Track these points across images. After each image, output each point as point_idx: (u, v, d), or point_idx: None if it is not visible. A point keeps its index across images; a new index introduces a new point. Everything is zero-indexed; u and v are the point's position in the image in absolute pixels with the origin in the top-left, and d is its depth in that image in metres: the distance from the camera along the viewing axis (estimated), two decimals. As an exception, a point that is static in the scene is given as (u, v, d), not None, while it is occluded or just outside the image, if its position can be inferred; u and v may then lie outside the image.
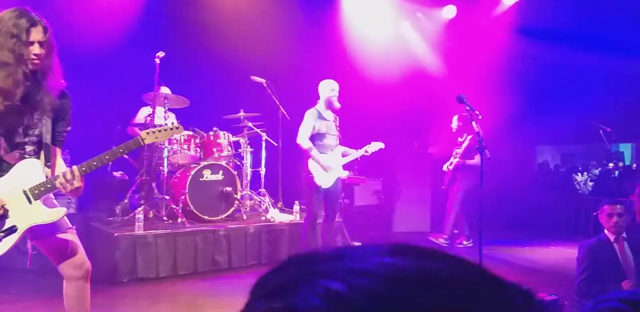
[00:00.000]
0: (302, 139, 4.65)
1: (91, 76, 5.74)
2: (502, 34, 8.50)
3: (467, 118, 6.18)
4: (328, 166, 4.66)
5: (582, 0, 7.61)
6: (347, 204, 6.82)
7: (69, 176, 2.29)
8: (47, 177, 2.38)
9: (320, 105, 4.77)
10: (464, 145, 6.34)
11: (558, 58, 8.28)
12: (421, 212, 8.03)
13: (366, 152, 4.92)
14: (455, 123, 6.51)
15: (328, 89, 4.75)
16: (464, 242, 6.52)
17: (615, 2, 7.39)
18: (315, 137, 4.71)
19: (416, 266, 0.40)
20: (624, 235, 3.48)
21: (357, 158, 5.07)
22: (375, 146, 4.96)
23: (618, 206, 3.48)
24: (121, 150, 2.45)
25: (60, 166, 2.49)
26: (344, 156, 4.92)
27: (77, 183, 2.31)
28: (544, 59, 8.41)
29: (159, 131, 2.54)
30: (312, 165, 4.64)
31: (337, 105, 4.77)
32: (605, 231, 3.54)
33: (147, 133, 2.51)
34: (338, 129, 4.89)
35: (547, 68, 8.60)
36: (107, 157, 2.43)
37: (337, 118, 4.95)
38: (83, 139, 5.33)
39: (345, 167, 6.69)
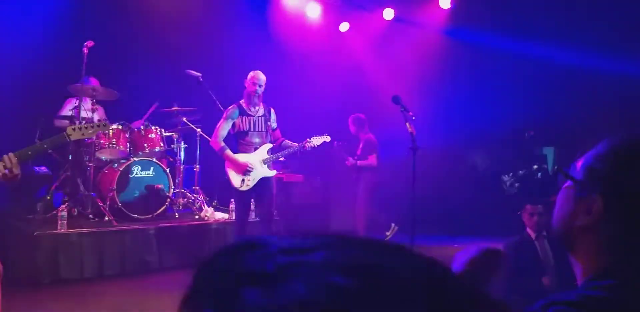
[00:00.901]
0: (215, 140, 4.40)
1: (12, 65, 5.37)
2: (437, 38, 8.77)
3: (362, 121, 6.39)
4: (246, 165, 4.33)
5: (512, 7, 7.96)
6: (284, 203, 6.78)
7: (8, 164, 2.18)
8: None
9: (244, 100, 4.51)
10: (360, 146, 6.48)
11: (489, 64, 8.63)
12: (358, 211, 8.13)
13: (304, 147, 4.61)
14: (351, 126, 6.57)
15: (249, 82, 4.45)
16: (387, 233, 6.69)
17: (543, 10, 7.79)
18: (237, 136, 4.45)
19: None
20: (544, 233, 3.66)
21: (296, 154, 4.75)
22: (318, 140, 4.70)
23: (539, 206, 3.67)
24: (45, 146, 2.36)
25: None
26: (279, 150, 4.61)
27: (16, 170, 2.26)
28: (476, 64, 8.75)
29: (86, 128, 2.48)
30: (229, 167, 4.39)
31: (255, 101, 4.44)
32: (528, 229, 3.73)
33: (74, 129, 2.44)
34: (271, 123, 4.59)
35: (478, 73, 8.95)
36: (29, 152, 2.32)
37: (272, 111, 4.64)
38: (3, 131, 4.99)
39: (282, 165, 6.69)
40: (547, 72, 8.31)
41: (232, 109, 4.45)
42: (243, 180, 4.38)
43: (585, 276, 0.90)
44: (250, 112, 4.48)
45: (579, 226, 0.89)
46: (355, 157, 6.53)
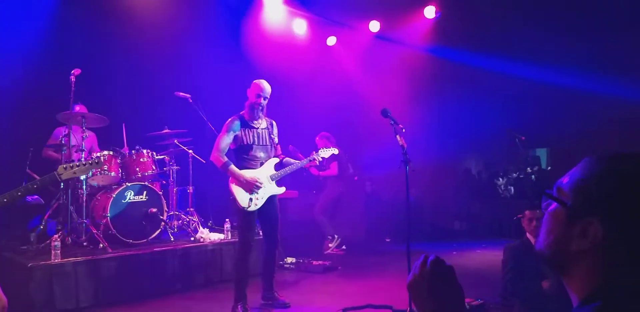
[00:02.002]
0: (216, 155, 3.95)
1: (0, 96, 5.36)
2: (424, 47, 8.83)
3: (329, 137, 6.50)
4: (255, 181, 4.00)
5: (497, 15, 8.06)
6: (280, 219, 6.75)
7: None
8: None
9: (245, 111, 4.14)
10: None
11: (478, 70, 8.70)
12: (356, 222, 8.13)
13: (311, 161, 4.32)
14: (318, 142, 6.64)
15: (253, 93, 4.08)
16: (330, 245, 6.68)
17: (527, 17, 7.89)
18: (239, 150, 4.05)
19: None
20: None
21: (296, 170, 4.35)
22: (326, 153, 4.49)
23: (538, 211, 3.68)
24: (35, 186, 2.36)
25: None
26: (281, 167, 4.23)
27: None
28: (465, 71, 8.81)
29: (77, 166, 2.47)
30: (233, 185, 3.98)
31: (258, 114, 4.07)
32: (527, 234, 3.74)
33: (65, 168, 2.45)
34: (274, 137, 4.23)
35: (468, 80, 9.02)
36: (19, 193, 2.32)
37: (274, 124, 4.29)
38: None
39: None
40: (536, 76, 8.37)
41: (233, 121, 4.05)
42: (251, 199, 3.98)
43: (579, 299, 0.88)
44: (253, 125, 4.11)
45: (574, 250, 0.87)
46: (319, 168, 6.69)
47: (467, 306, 3.94)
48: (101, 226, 4.86)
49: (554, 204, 0.93)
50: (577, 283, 0.89)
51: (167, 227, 5.29)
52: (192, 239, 5.28)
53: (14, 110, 5.60)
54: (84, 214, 4.93)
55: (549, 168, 10.78)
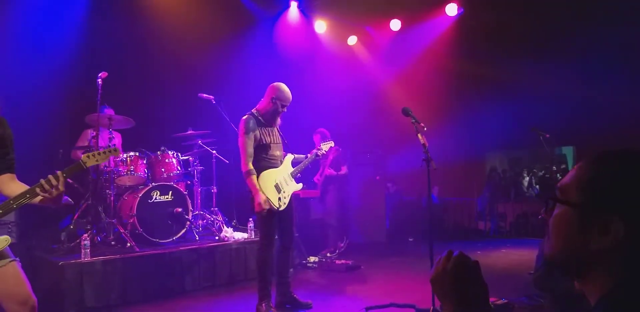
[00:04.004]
0: (243, 162, 3.92)
1: (29, 99, 5.52)
2: (447, 43, 8.76)
3: (325, 133, 6.34)
4: (280, 183, 4.05)
5: (519, 11, 7.94)
6: (302, 219, 6.81)
7: (54, 181, 2.27)
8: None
9: (260, 110, 4.08)
10: (328, 157, 6.47)
11: (501, 66, 8.58)
12: (378, 221, 8.13)
13: (317, 156, 4.41)
14: (317, 139, 6.54)
15: (278, 101, 4.03)
16: (328, 254, 6.50)
17: (550, 13, 7.76)
18: (259, 150, 3.98)
19: None
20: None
21: (308, 166, 4.45)
22: (326, 146, 4.55)
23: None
24: (65, 175, 2.42)
25: (21, 188, 2.42)
26: (295, 165, 4.32)
27: (61, 187, 2.31)
28: (488, 66, 8.70)
29: (99, 154, 2.58)
30: (264, 187, 3.94)
31: (276, 121, 4.10)
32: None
33: (88, 157, 2.56)
34: (281, 134, 4.22)
35: (492, 77, 8.90)
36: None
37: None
38: (24, 164, 5.12)
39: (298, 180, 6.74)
40: (562, 71, 8.21)
41: (250, 120, 3.96)
42: (280, 198, 4.03)
43: (595, 300, 0.87)
44: (265, 123, 4.09)
45: (594, 249, 0.85)
46: (325, 169, 6.70)
47: (492, 305, 3.91)
48: (128, 225, 4.98)
49: (560, 207, 0.91)
50: (594, 284, 0.88)
51: (192, 226, 5.38)
52: (217, 238, 5.36)
53: (45, 112, 5.76)
54: (112, 214, 5.05)
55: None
